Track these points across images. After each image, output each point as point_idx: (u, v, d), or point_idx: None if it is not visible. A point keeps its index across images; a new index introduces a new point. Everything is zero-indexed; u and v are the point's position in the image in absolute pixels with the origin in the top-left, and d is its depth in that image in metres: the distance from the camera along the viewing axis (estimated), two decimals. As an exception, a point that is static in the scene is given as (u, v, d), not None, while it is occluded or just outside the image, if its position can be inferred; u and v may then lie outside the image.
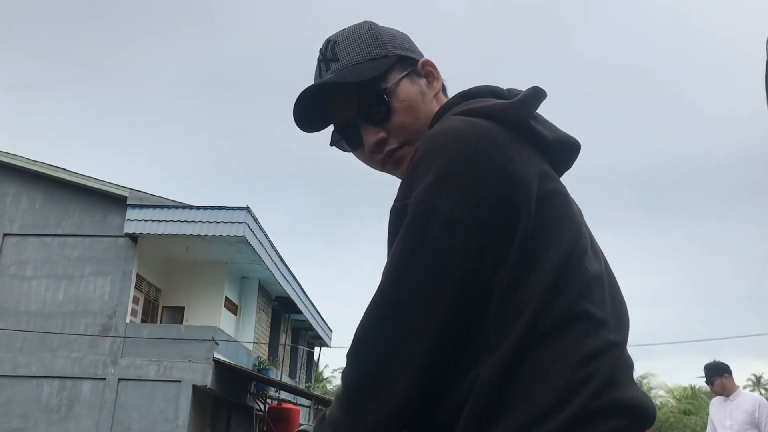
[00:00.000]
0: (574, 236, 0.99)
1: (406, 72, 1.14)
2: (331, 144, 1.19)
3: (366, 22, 1.19)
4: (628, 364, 0.98)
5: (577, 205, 1.07)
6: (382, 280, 0.95)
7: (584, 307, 0.94)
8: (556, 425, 0.87)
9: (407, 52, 1.16)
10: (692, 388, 39.97)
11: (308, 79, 1.19)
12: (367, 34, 1.15)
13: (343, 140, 1.17)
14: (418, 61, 1.17)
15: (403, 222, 0.94)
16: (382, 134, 1.12)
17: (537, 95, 1.07)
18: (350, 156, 1.21)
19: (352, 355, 0.95)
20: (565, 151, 1.12)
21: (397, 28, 1.22)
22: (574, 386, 0.89)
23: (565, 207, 1.01)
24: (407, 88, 1.13)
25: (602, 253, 1.08)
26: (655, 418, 0.96)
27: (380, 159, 1.14)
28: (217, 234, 16.40)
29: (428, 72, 1.17)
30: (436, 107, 1.15)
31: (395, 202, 0.99)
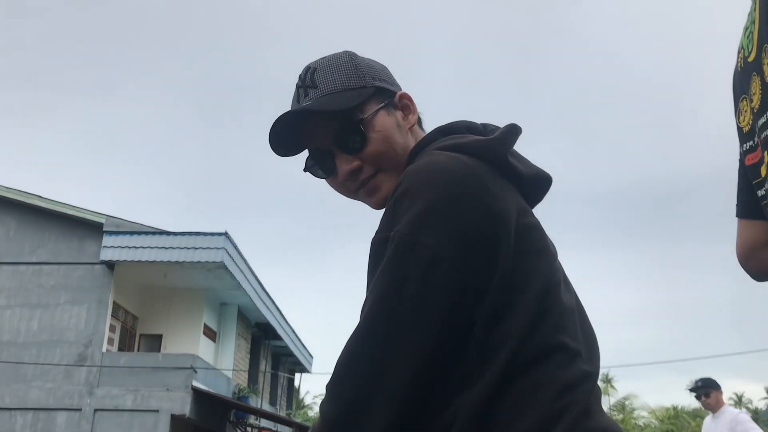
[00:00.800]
0: (551, 270, 1.03)
1: (383, 104, 1.15)
2: (305, 170, 1.19)
3: (346, 51, 1.20)
4: (598, 393, 1.01)
5: (550, 238, 1.11)
6: (364, 313, 0.95)
7: (560, 339, 0.97)
8: None
9: (385, 84, 1.18)
10: (674, 408, 40.12)
11: (286, 105, 1.19)
12: (347, 63, 1.17)
13: (317, 166, 1.17)
14: (395, 93, 1.19)
15: (385, 254, 0.95)
16: (356, 163, 1.13)
17: (514, 132, 1.10)
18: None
19: (332, 386, 0.95)
20: (538, 185, 1.15)
21: (377, 59, 1.24)
22: (553, 416, 0.91)
23: (541, 241, 1.04)
24: (384, 119, 1.14)
25: (571, 284, 1.11)
26: None
27: (353, 187, 1.16)
28: (195, 260, 16.26)
29: (405, 105, 1.19)
30: (411, 140, 1.18)
31: (377, 234, 1.00)
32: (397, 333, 0.91)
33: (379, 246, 0.98)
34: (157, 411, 15.03)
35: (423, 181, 0.96)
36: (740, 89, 1.08)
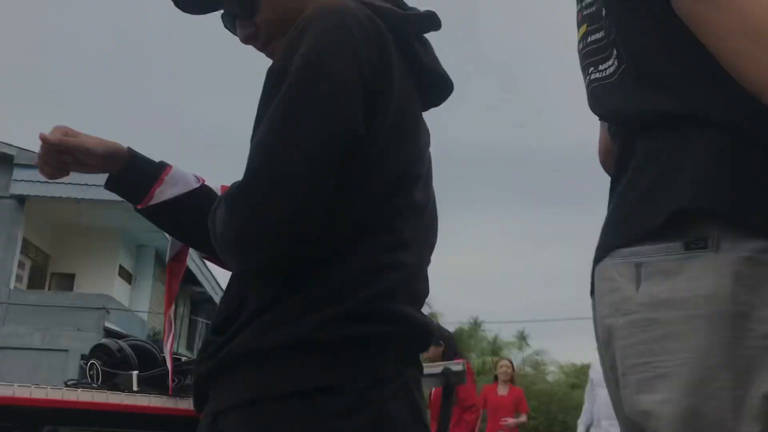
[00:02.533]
0: (413, 158, 1.02)
1: None
2: (225, 26, 1.20)
3: None
4: (416, 290, 1.02)
5: (427, 132, 1.10)
6: (270, 124, 0.91)
7: (395, 224, 0.98)
8: (331, 314, 0.91)
9: None
10: (582, 366, 42.17)
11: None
12: None
13: (228, 27, 1.19)
14: None
15: (286, 81, 0.92)
16: (251, 29, 1.13)
17: (430, 19, 1.09)
18: None
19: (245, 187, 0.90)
20: (436, 84, 1.14)
21: None
22: (357, 286, 0.92)
23: (414, 128, 1.04)
24: None
25: (432, 189, 1.11)
26: (431, 337, 1.02)
27: (258, 48, 1.16)
28: (112, 198, 15.71)
29: None
30: (309, 2, 1.12)
31: (275, 63, 0.97)
32: (312, 142, 0.89)
33: (277, 73, 0.95)
34: (67, 351, 14.72)
35: (326, 16, 0.95)
36: None
